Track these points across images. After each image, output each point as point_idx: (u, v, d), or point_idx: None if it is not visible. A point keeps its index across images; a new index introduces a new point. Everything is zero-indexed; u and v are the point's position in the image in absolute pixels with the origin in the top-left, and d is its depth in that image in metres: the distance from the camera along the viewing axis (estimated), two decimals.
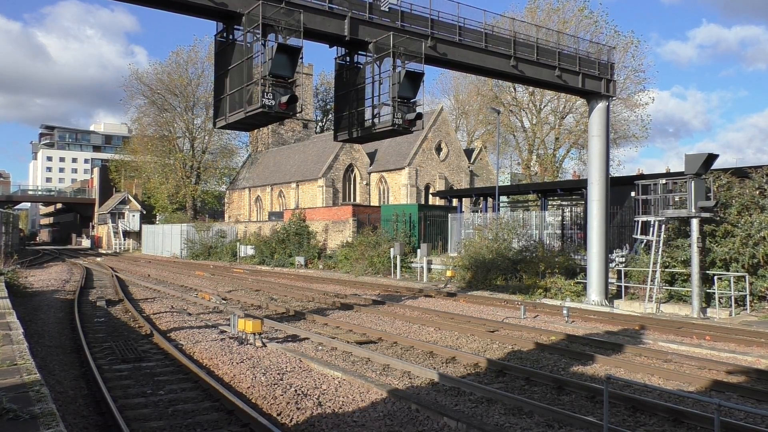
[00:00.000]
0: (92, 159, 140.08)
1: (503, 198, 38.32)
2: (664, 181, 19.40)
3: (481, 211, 35.36)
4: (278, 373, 10.47)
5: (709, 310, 17.92)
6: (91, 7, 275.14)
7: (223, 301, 20.78)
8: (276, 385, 9.74)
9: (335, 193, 59.81)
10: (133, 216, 74.56)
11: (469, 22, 17.13)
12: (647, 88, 52.52)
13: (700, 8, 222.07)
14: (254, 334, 12.86)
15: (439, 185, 57.38)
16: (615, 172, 41.48)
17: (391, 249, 30.69)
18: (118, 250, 70.05)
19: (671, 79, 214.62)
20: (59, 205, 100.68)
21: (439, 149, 59.41)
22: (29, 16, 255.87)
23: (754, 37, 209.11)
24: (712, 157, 17.79)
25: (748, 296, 17.91)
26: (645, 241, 20.18)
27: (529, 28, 22.69)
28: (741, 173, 20.30)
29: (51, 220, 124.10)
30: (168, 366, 11.34)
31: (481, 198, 37.10)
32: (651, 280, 18.92)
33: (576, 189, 30.63)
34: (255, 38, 12.35)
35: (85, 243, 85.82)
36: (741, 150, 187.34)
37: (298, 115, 13.40)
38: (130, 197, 75.44)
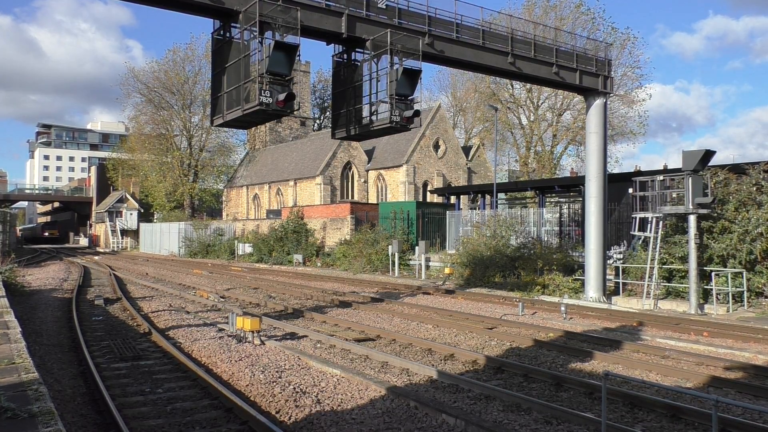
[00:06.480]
0: (89, 157, 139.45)
1: (501, 195, 38.29)
2: (661, 177, 19.42)
3: (479, 209, 35.34)
4: (277, 371, 10.48)
5: (706, 306, 17.97)
6: (84, 0, 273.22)
7: (222, 299, 20.78)
8: (275, 383, 9.74)
9: (333, 191, 59.75)
10: (131, 214, 74.40)
11: (466, 19, 17.17)
12: (645, 84, 52.69)
13: None
14: (253, 332, 12.86)
15: (437, 182, 57.37)
16: (613, 169, 41.58)
17: (390, 246, 30.69)
18: (115, 249, 69.94)
19: (675, 73, 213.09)
20: (56, 204, 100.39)
21: (436, 146, 59.39)
22: (20, 10, 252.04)
23: (763, 28, 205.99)
24: (709, 154, 17.82)
25: (745, 292, 17.95)
26: (643, 237, 20.21)
27: (527, 25, 22.78)
28: (738, 169, 20.34)
29: (48, 218, 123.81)
30: (166, 364, 11.34)
31: (479, 195, 37.09)
32: (649, 277, 18.94)
33: (573, 186, 30.66)
34: (252, 36, 12.33)
35: (83, 241, 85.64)
36: (742, 145, 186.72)
37: (295, 112, 13.40)
38: (128, 195, 75.26)
